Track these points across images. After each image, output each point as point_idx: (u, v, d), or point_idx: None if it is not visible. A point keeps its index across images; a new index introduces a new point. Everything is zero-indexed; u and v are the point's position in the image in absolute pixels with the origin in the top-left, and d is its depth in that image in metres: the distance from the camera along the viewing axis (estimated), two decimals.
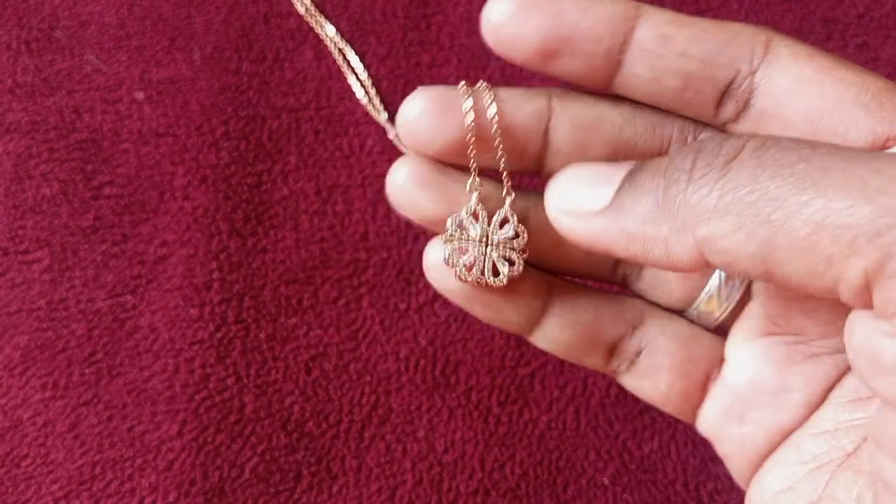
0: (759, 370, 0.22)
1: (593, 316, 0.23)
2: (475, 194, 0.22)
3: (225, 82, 0.38)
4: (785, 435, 0.22)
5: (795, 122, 0.20)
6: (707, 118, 0.21)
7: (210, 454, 0.33)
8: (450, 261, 0.22)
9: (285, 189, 0.37)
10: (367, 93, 0.35)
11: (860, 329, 0.17)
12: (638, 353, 0.23)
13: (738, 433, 0.22)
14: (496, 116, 0.21)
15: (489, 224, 0.22)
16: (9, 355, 0.34)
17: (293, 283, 0.35)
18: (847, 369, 0.21)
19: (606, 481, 0.33)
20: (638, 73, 0.20)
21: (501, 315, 0.23)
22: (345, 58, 0.36)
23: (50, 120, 0.37)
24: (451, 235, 0.22)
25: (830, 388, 0.21)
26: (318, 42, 0.39)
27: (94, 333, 0.34)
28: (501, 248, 0.22)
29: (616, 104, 0.21)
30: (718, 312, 0.23)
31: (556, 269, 0.24)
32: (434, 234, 0.23)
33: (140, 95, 0.38)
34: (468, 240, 0.22)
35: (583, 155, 0.21)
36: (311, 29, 0.39)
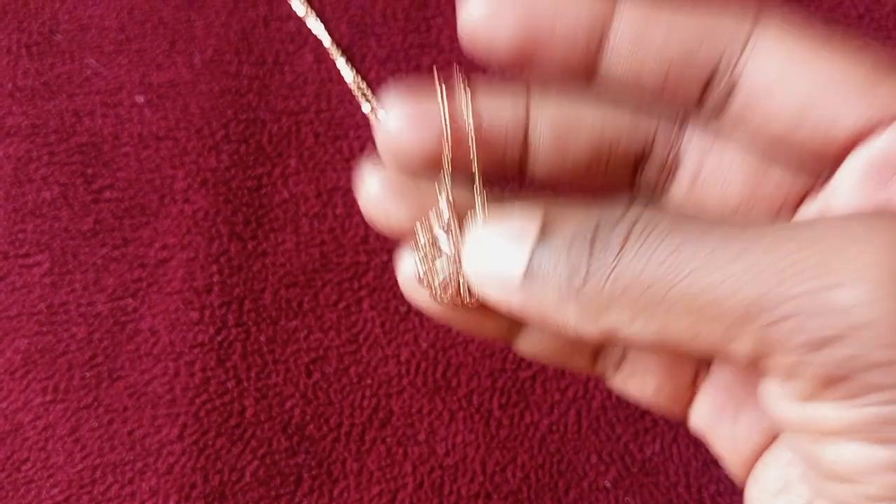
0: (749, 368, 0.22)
1: None
2: (446, 207, 0.21)
3: (225, 85, 0.38)
4: (778, 434, 0.22)
5: (781, 110, 0.19)
6: (691, 111, 0.21)
7: (210, 458, 0.33)
8: (424, 281, 0.21)
9: (285, 192, 0.37)
10: (355, 82, 0.35)
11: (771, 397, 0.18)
12: (624, 355, 0.23)
13: (731, 433, 0.22)
14: (471, 130, 0.20)
15: (462, 237, 0.21)
16: (9, 359, 0.34)
17: (293, 287, 0.35)
18: None
19: (608, 484, 0.33)
20: (617, 66, 0.20)
21: (482, 327, 0.22)
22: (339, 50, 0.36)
23: (50, 123, 0.37)
24: (425, 255, 0.21)
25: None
26: (318, 45, 0.39)
27: (95, 337, 0.34)
28: None
29: (596, 103, 0.21)
30: None
31: None
32: (405, 244, 0.22)
33: (140, 99, 0.38)
34: (440, 257, 0.21)
35: (564, 158, 0.21)
36: (311, 32, 0.39)
